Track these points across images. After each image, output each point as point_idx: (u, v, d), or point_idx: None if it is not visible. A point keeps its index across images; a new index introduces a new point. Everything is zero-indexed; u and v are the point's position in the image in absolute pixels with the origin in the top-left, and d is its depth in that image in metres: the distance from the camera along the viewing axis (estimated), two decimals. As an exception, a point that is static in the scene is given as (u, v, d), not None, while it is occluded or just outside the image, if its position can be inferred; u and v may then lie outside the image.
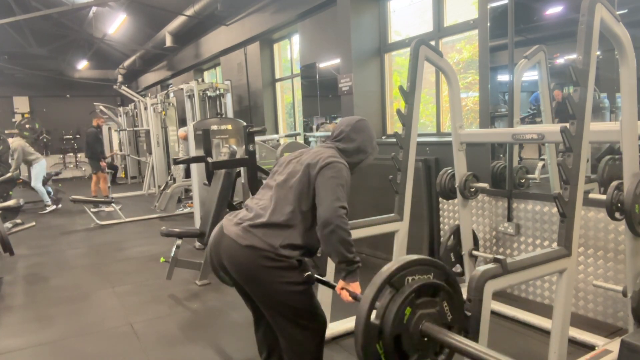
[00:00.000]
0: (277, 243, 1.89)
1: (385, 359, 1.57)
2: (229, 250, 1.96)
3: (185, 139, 7.47)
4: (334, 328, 2.99)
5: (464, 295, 1.81)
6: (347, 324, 3.08)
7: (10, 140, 8.36)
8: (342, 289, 1.90)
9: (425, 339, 1.59)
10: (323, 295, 2.83)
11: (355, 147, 2.12)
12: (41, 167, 8.37)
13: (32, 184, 8.24)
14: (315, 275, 2.07)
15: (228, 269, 2.00)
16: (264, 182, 2.21)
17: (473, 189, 3.44)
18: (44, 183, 8.54)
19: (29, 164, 8.27)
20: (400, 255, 3.16)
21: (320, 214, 1.87)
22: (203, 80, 9.13)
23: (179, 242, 4.14)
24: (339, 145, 2.11)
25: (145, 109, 9.96)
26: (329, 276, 2.86)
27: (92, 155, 8.53)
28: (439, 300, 1.64)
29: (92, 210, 7.47)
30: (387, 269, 1.59)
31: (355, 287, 1.90)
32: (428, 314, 1.60)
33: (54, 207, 8.57)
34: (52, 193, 8.76)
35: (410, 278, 1.59)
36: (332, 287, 2.02)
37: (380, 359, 1.57)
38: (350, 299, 1.89)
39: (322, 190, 1.91)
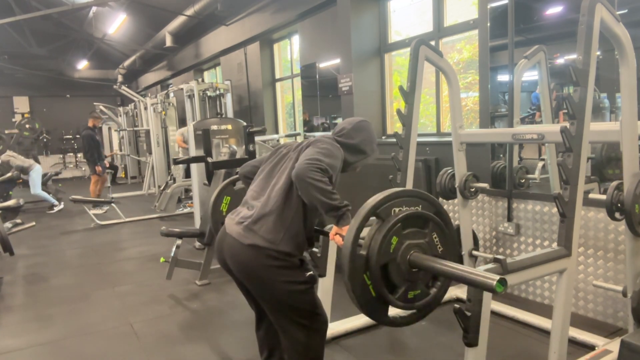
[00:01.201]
0: (277, 237, 1.89)
1: (373, 289, 1.56)
2: (232, 249, 1.96)
3: (182, 143, 7.49)
4: (334, 328, 2.99)
5: (464, 295, 1.81)
6: (347, 324, 3.08)
7: None
8: (336, 234, 1.84)
9: (414, 269, 1.58)
10: (323, 295, 2.82)
11: (355, 144, 2.11)
12: (37, 173, 8.26)
13: (32, 192, 8.08)
14: (315, 227, 2.03)
15: (231, 267, 2.01)
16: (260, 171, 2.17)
17: (473, 189, 3.44)
18: (44, 183, 8.53)
19: (25, 172, 8.19)
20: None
21: (292, 174, 1.83)
22: (203, 80, 9.13)
23: (179, 242, 4.14)
24: (338, 139, 2.11)
25: (145, 109, 9.96)
26: (329, 275, 2.86)
27: (90, 159, 8.40)
28: (428, 232, 1.62)
29: (92, 212, 7.48)
30: (373, 199, 1.57)
31: (351, 222, 1.84)
32: (416, 244, 1.58)
33: (62, 206, 8.56)
34: (50, 194, 8.75)
35: (397, 209, 1.58)
36: (326, 234, 1.98)
37: (368, 289, 1.56)
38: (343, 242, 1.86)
39: (304, 154, 1.89)
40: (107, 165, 8.46)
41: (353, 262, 1.53)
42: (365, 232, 1.60)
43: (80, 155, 15.29)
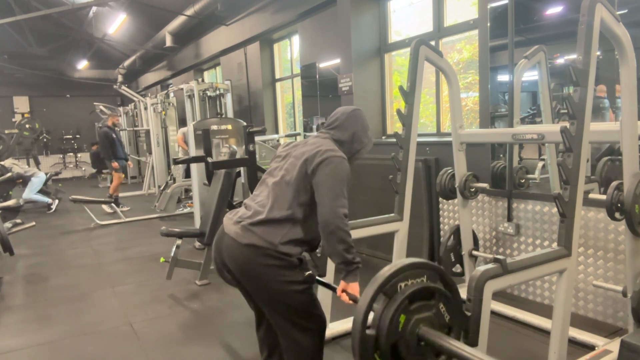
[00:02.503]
0: (276, 240, 1.89)
1: None
2: (230, 249, 1.96)
3: (183, 143, 7.50)
4: (334, 328, 2.99)
5: (464, 295, 1.81)
6: (347, 324, 3.08)
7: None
8: (343, 291, 1.92)
9: (423, 343, 1.59)
10: (323, 295, 2.83)
11: (350, 135, 2.09)
12: (40, 181, 8.26)
13: (24, 196, 7.94)
14: (317, 277, 2.07)
15: (229, 267, 2.00)
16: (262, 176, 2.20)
17: (473, 189, 3.44)
18: (45, 183, 8.54)
19: (24, 179, 8.16)
20: (400, 256, 3.16)
21: (320, 214, 1.87)
22: (203, 80, 9.14)
23: (179, 242, 4.14)
24: (333, 135, 2.10)
25: (145, 109, 9.96)
26: (329, 276, 2.86)
27: (105, 156, 8.30)
28: (434, 303, 1.63)
29: (111, 210, 7.58)
30: (379, 276, 1.58)
31: (355, 288, 1.91)
32: (424, 318, 1.59)
33: (57, 200, 8.55)
34: (50, 193, 8.75)
35: (402, 284, 1.59)
36: (334, 289, 2.03)
37: None
38: (350, 301, 1.91)
39: (321, 188, 1.90)
40: (117, 166, 8.34)
41: (363, 343, 1.55)
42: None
43: (80, 155, 15.30)
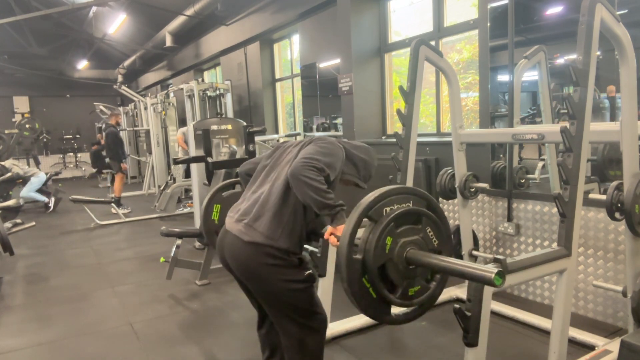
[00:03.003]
0: (276, 233, 1.89)
1: (374, 292, 1.57)
2: (232, 247, 1.97)
3: (183, 143, 7.49)
4: (334, 328, 2.99)
5: (464, 295, 1.81)
6: (347, 324, 3.08)
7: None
8: (331, 234, 1.83)
9: (412, 266, 1.58)
10: (323, 295, 2.82)
11: (353, 154, 2.09)
12: (39, 180, 8.26)
13: (21, 194, 8.00)
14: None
15: (230, 266, 2.01)
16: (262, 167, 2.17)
17: (473, 189, 3.44)
18: (45, 183, 8.54)
19: (23, 179, 8.16)
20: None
21: (288, 172, 1.84)
22: (203, 80, 9.13)
23: (179, 242, 4.14)
24: (341, 142, 2.11)
25: (145, 109, 9.96)
26: (329, 275, 2.86)
27: (113, 156, 8.22)
28: (422, 227, 1.62)
29: (122, 211, 7.59)
30: (364, 201, 1.57)
31: (342, 230, 1.81)
32: (411, 241, 1.59)
33: (53, 198, 8.55)
34: (51, 193, 8.75)
35: (388, 208, 1.58)
36: (321, 235, 1.98)
37: (368, 292, 1.56)
38: (338, 243, 1.86)
39: (301, 153, 1.90)
40: (126, 167, 8.33)
41: (350, 267, 1.53)
42: (360, 232, 1.60)
43: (80, 155, 15.29)
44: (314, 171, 1.78)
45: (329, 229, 1.84)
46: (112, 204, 7.65)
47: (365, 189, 2.16)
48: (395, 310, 1.65)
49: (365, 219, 1.59)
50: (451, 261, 1.49)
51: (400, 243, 1.57)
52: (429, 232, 1.64)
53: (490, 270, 1.35)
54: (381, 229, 1.54)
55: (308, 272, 1.98)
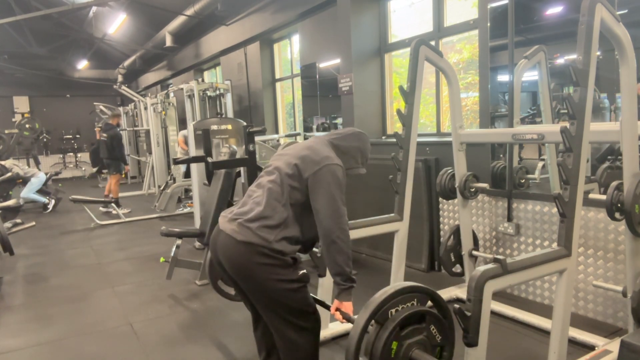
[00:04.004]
0: (271, 237, 1.89)
1: None
2: (225, 246, 1.96)
3: (184, 145, 7.49)
4: (333, 328, 2.99)
5: (464, 295, 1.81)
6: (347, 324, 3.07)
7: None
8: (337, 310, 1.94)
9: None
10: (323, 295, 2.82)
11: (348, 147, 2.11)
12: (39, 181, 8.24)
13: (22, 195, 7.99)
14: (311, 295, 2.09)
15: (224, 265, 2.00)
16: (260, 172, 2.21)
17: (473, 189, 3.44)
18: (45, 183, 8.53)
19: (23, 179, 8.16)
20: (400, 256, 3.16)
21: (321, 223, 1.89)
22: (203, 80, 9.13)
23: (179, 242, 4.14)
24: (333, 140, 2.12)
25: (145, 108, 9.96)
26: (329, 275, 2.86)
27: (117, 157, 8.12)
28: (426, 325, 1.67)
29: (122, 211, 7.58)
30: (371, 303, 1.62)
31: (349, 307, 1.94)
32: (416, 342, 1.64)
33: (53, 200, 8.55)
34: (51, 193, 8.75)
35: (393, 310, 1.62)
36: (327, 307, 2.06)
37: None
38: (344, 320, 1.94)
39: (320, 197, 1.92)
40: (129, 169, 8.30)
41: None
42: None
43: (80, 155, 15.29)
44: (347, 230, 1.89)
45: (335, 303, 1.93)
46: (112, 204, 7.64)
47: (365, 173, 2.21)
48: None
49: None
50: None
51: (406, 345, 1.62)
52: (433, 329, 1.69)
53: None
54: (387, 334, 1.58)
55: (302, 271, 1.98)
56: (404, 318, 1.61)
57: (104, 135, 8.10)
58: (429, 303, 1.75)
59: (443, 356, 1.74)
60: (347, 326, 3.04)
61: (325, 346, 2.85)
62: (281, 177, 1.98)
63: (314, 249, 2.86)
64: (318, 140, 2.14)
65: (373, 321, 1.62)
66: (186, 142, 7.17)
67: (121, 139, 8.27)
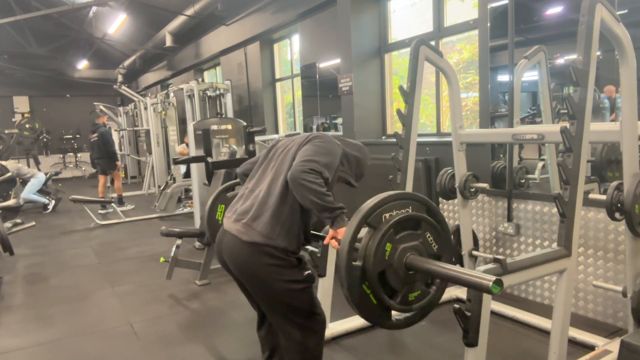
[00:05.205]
0: (274, 233, 1.88)
1: (374, 298, 1.57)
2: (230, 248, 1.96)
3: (183, 150, 7.51)
4: (334, 328, 2.99)
5: (464, 296, 1.81)
6: (347, 323, 3.08)
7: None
8: (332, 238, 1.83)
9: (411, 272, 1.59)
10: (323, 295, 2.83)
11: (347, 152, 2.09)
12: (39, 181, 8.23)
13: (22, 195, 7.98)
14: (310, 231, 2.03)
15: (229, 266, 2.00)
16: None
17: (473, 189, 3.44)
18: (45, 183, 8.53)
19: (22, 178, 8.16)
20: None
21: (288, 175, 1.83)
22: (203, 80, 9.13)
23: (178, 242, 4.14)
24: (336, 137, 2.11)
25: (145, 108, 9.96)
26: (329, 275, 2.86)
27: (110, 154, 8.14)
28: (421, 232, 1.63)
29: (121, 209, 7.55)
30: (363, 208, 1.58)
31: (343, 233, 1.79)
32: (411, 247, 1.60)
33: (53, 201, 8.56)
34: (51, 193, 8.75)
35: (387, 214, 1.59)
36: (322, 237, 1.98)
37: (369, 298, 1.57)
38: (339, 246, 1.85)
39: (298, 156, 1.89)
40: (120, 165, 8.35)
41: (350, 274, 1.54)
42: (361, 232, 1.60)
43: (80, 155, 15.28)
44: (314, 174, 1.77)
45: (329, 232, 1.84)
46: (113, 204, 7.64)
47: (357, 187, 2.16)
48: (396, 314, 1.65)
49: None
50: (449, 268, 1.49)
51: (400, 249, 1.58)
52: (429, 237, 1.65)
53: (488, 278, 1.35)
54: (380, 236, 1.54)
55: (307, 272, 1.98)
56: (398, 221, 1.57)
57: (94, 135, 8.12)
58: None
59: None
60: (348, 326, 3.05)
61: (325, 346, 2.83)
62: (283, 169, 1.96)
63: (314, 249, 2.85)
64: (322, 133, 2.13)
65: (366, 226, 1.57)
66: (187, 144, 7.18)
67: (111, 135, 8.28)
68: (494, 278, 1.33)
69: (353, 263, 1.54)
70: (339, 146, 2.01)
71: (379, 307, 1.59)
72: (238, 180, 2.38)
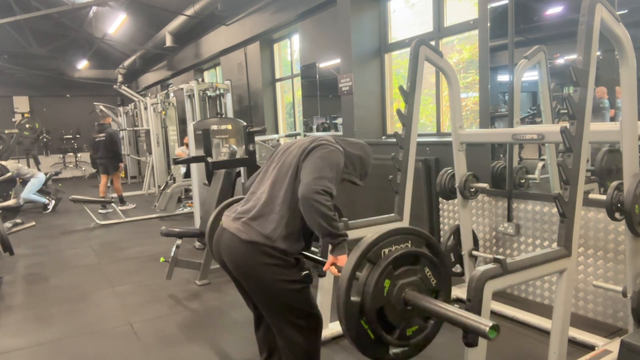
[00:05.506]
0: (274, 235, 1.89)
1: (372, 333, 1.57)
2: (228, 247, 1.96)
3: (181, 154, 7.52)
4: (333, 328, 2.99)
5: (464, 295, 1.81)
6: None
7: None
8: (332, 264, 1.87)
9: (409, 307, 1.59)
10: (323, 296, 2.83)
11: (349, 153, 2.08)
12: (39, 181, 8.23)
13: (22, 195, 7.98)
14: (304, 252, 2.03)
15: (227, 264, 2.00)
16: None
17: (473, 189, 3.44)
18: (45, 182, 8.53)
19: (23, 178, 8.17)
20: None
21: (299, 191, 1.83)
22: (203, 80, 9.13)
23: (178, 242, 4.14)
24: (338, 141, 2.10)
25: (145, 108, 9.96)
26: (329, 275, 2.86)
27: (116, 155, 8.12)
28: (420, 267, 1.63)
29: (121, 208, 7.56)
30: (362, 243, 1.58)
31: (344, 260, 1.86)
32: (410, 283, 1.59)
33: (53, 201, 8.56)
34: (51, 193, 8.75)
35: (387, 250, 1.59)
36: (322, 263, 1.99)
37: (367, 334, 1.57)
38: (339, 274, 1.86)
39: (306, 167, 1.89)
40: (122, 166, 8.37)
41: (348, 309, 1.55)
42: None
43: (80, 155, 15.28)
44: (325, 195, 1.79)
45: (330, 258, 1.87)
46: (113, 204, 7.64)
47: (362, 186, 2.17)
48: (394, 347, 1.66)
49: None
50: (448, 308, 1.49)
51: (399, 285, 1.58)
52: (427, 272, 1.65)
53: (485, 322, 1.35)
54: (380, 272, 1.54)
55: (305, 272, 1.98)
56: (397, 257, 1.57)
57: (101, 135, 8.07)
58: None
59: None
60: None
61: (325, 346, 2.85)
62: (283, 171, 1.97)
63: (314, 249, 2.85)
64: (326, 138, 2.14)
65: (365, 261, 1.58)
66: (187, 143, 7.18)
67: (119, 135, 8.27)
68: (490, 323, 1.34)
69: (352, 299, 1.55)
70: (341, 153, 2.00)
71: (376, 342, 1.60)
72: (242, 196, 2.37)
